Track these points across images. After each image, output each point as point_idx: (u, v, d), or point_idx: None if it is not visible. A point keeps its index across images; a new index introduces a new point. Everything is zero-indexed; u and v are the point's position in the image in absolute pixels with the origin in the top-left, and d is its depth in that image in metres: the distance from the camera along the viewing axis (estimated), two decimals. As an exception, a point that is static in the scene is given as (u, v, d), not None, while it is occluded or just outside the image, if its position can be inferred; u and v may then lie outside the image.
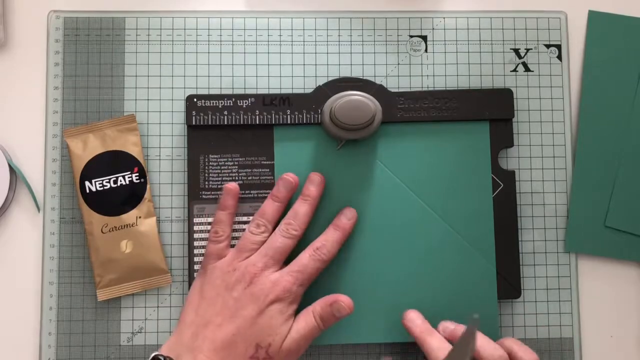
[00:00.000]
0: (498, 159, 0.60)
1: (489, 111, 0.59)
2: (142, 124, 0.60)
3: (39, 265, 0.59)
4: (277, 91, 0.61)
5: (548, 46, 0.62)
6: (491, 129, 0.60)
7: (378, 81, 0.61)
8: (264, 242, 0.55)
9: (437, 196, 0.59)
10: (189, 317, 0.53)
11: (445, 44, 0.62)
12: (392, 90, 0.60)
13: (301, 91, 0.61)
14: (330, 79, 0.60)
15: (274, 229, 0.56)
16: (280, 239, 0.55)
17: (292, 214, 0.56)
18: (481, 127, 0.59)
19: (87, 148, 0.59)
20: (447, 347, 0.53)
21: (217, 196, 0.58)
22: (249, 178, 0.59)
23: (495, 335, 0.56)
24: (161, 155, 0.60)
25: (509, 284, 0.59)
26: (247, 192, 0.58)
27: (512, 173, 0.60)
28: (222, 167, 0.59)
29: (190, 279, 0.57)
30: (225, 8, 0.62)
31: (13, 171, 0.59)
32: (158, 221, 0.59)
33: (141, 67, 0.61)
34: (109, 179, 0.58)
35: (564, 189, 0.61)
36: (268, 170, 0.59)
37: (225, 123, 0.58)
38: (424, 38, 0.62)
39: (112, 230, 0.58)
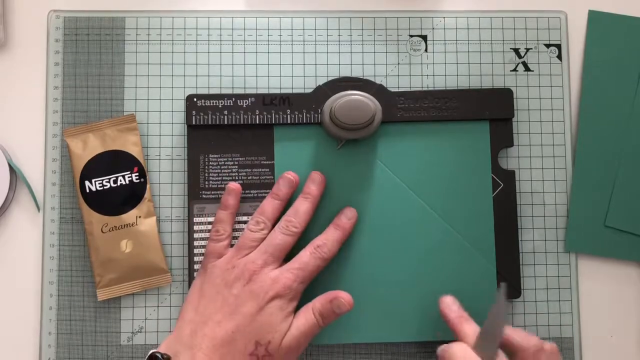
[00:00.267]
0: (498, 158, 0.60)
1: (489, 111, 0.59)
2: (142, 124, 0.60)
3: (39, 265, 0.59)
4: (277, 91, 0.61)
5: (548, 46, 0.62)
6: (491, 129, 0.60)
7: (378, 81, 0.61)
8: (263, 239, 0.55)
9: (437, 196, 0.59)
10: (188, 315, 0.53)
11: (445, 44, 0.62)
12: (392, 90, 0.60)
13: (301, 91, 0.61)
14: (330, 78, 0.60)
15: (273, 227, 0.56)
16: (280, 236, 0.55)
17: (292, 212, 0.56)
18: (481, 126, 0.59)
19: (87, 148, 0.59)
20: None
21: (217, 196, 0.58)
22: (249, 178, 0.59)
23: None
24: (161, 155, 0.60)
25: (509, 284, 0.59)
26: (247, 191, 0.58)
27: (512, 173, 0.60)
28: (222, 167, 0.59)
29: (191, 279, 0.57)
30: (225, 8, 0.62)
31: (13, 171, 0.59)
32: (158, 221, 0.59)
33: (141, 66, 0.61)
34: (109, 179, 0.58)
35: (564, 189, 0.61)
36: (268, 170, 0.59)
37: (225, 123, 0.58)
38: (424, 38, 0.62)
39: (112, 230, 0.58)
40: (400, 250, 0.58)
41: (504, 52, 0.62)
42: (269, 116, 0.59)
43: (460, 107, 0.59)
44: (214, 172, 0.59)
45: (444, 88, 0.61)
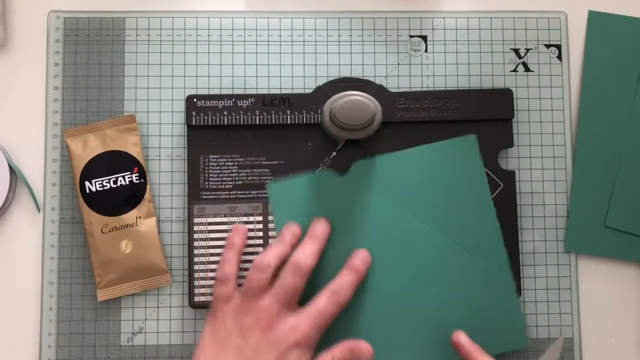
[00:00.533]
0: (498, 159, 0.60)
1: (489, 111, 0.59)
2: (142, 124, 0.60)
3: (39, 266, 0.59)
4: (277, 91, 0.61)
5: (548, 46, 0.62)
6: (491, 129, 0.60)
7: (378, 81, 0.61)
8: (269, 282, 0.53)
9: (437, 207, 0.58)
10: None
11: (445, 44, 0.62)
12: (392, 90, 0.60)
13: (301, 91, 0.61)
14: (330, 79, 0.60)
15: (276, 271, 0.54)
16: (291, 278, 0.53)
17: (300, 253, 0.54)
18: (469, 142, 0.58)
19: (87, 148, 0.59)
20: None
21: (217, 196, 0.58)
22: (249, 178, 0.59)
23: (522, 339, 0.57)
24: (161, 155, 0.60)
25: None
26: (247, 192, 0.58)
27: (512, 173, 0.60)
28: (222, 167, 0.59)
29: (191, 279, 0.57)
30: (225, 8, 0.62)
31: (13, 171, 0.59)
32: (158, 221, 0.59)
33: (141, 67, 0.61)
34: (109, 179, 0.58)
35: (564, 189, 0.61)
36: (268, 170, 0.59)
37: (225, 123, 0.58)
38: (424, 38, 0.62)
39: (112, 230, 0.58)
40: (412, 284, 0.57)
41: (504, 52, 0.62)
42: (269, 117, 0.59)
43: (460, 107, 0.59)
44: (214, 173, 0.59)
45: (444, 88, 0.61)
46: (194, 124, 0.58)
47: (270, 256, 0.54)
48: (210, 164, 0.59)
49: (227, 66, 0.61)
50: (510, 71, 0.62)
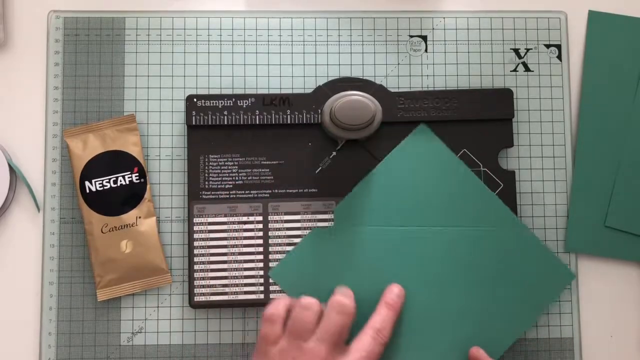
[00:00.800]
0: (498, 159, 0.60)
1: (489, 111, 0.59)
2: (142, 124, 0.60)
3: (39, 265, 0.59)
4: (277, 91, 0.61)
5: (548, 46, 0.62)
6: (491, 129, 0.60)
7: (378, 81, 0.61)
8: (316, 321, 0.52)
9: (430, 205, 0.58)
10: None
11: (445, 44, 0.62)
12: (392, 90, 0.60)
13: (301, 91, 0.61)
14: (330, 79, 0.60)
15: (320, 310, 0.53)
16: (337, 317, 0.51)
17: (341, 291, 0.53)
18: (422, 131, 0.59)
19: (87, 148, 0.59)
20: None
21: (217, 196, 0.58)
22: (249, 178, 0.59)
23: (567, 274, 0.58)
24: (161, 155, 0.60)
25: None
26: (246, 192, 0.58)
27: (512, 173, 0.60)
28: (222, 167, 0.59)
29: (191, 279, 0.57)
30: (225, 8, 0.62)
31: (13, 171, 0.59)
32: (158, 221, 0.59)
33: (141, 67, 0.61)
34: (109, 179, 0.58)
35: (563, 189, 0.61)
36: (268, 170, 0.59)
37: (225, 123, 0.58)
38: (424, 38, 0.62)
39: (112, 230, 0.58)
40: (444, 284, 0.58)
41: (504, 52, 0.62)
42: (269, 116, 0.59)
43: (460, 107, 0.59)
44: (214, 173, 0.59)
45: (444, 88, 0.61)
46: (194, 123, 0.58)
47: (308, 298, 0.53)
48: (210, 163, 0.59)
49: (227, 66, 0.61)
50: (510, 71, 0.62)
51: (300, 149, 0.59)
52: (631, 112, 0.61)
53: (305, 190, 0.59)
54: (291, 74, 0.61)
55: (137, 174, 0.59)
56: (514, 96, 0.60)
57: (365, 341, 0.52)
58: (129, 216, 0.58)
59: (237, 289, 0.58)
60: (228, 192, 0.58)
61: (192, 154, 0.59)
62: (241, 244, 0.58)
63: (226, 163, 0.59)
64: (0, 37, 0.60)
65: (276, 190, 0.59)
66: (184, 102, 0.60)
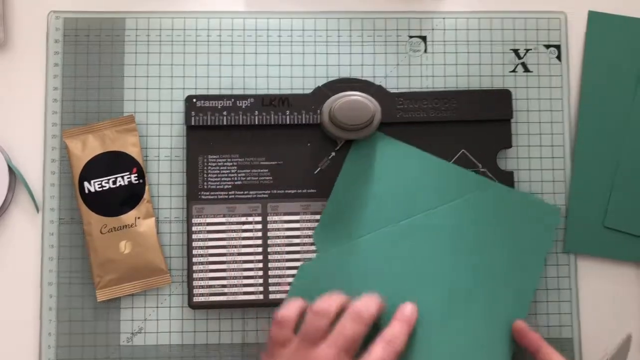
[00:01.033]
0: (497, 159, 0.60)
1: (488, 112, 0.59)
2: (141, 125, 0.60)
3: (38, 266, 0.59)
4: (277, 92, 0.61)
5: (547, 47, 0.62)
6: (490, 130, 0.60)
7: (377, 82, 0.61)
8: (328, 327, 0.51)
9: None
10: None
11: (444, 45, 0.62)
12: (392, 90, 0.60)
13: (300, 91, 0.61)
14: (329, 79, 0.60)
15: (335, 318, 0.52)
16: (351, 325, 0.51)
17: (361, 301, 0.53)
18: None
19: (86, 149, 0.59)
20: None
21: (216, 197, 0.58)
22: (248, 178, 0.59)
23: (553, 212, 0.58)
24: (160, 155, 0.60)
25: None
26: (246, 192, 0.59)
27: (511, 174, 0.60)
28: (222, 168, 0.59)
29: (190, 279, 0.57)
30: (225, 8, 0.62)
31: (12, 172, 0.59)
32: (157, 222, 0.59)
33: (141, 67, 0.61)
34: (108, 180, 0.58)
35: (563, 190, 0.61)
36: (267, 170, 0.59)
37: (225, 123, 0.58)
38: (424, 38, 0.62)
39: (111, 230, 0.58)
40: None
41: (503, 53, 0.62)
42: (268, 117, 0.59)
43: (459, 107, 0.59)
44: (213, 173, 0.59)
45: (443, 89, 0.61)
46: (193, 124, 0.58)
47: (329, 301, 0.52)
48: (209, 164, 0.59)
49: (227, 66, 0.61)
50: (510, 71, 0.62)
51: (299, 149, 0.59)
52: (630, 112, 0.61)
53: (304, 191, 0.59)
54: (290, 74, 0.61)
55: (136, 175, 0.59)
56: (513, 97, 0.60)
57: (376, 351, 0.51)
58: (128, 217, 0.58)
59: (236, 289, 0.58)
60: (227, 193, 0.58)
61: (191, 154, 0.59)
62: (240, 245, 0.58)
63: (225, 163, 0.59)
64: (0, 37, 0.60)
65: (275, 191, 0.59)
66: (183, 103, 0.60)
